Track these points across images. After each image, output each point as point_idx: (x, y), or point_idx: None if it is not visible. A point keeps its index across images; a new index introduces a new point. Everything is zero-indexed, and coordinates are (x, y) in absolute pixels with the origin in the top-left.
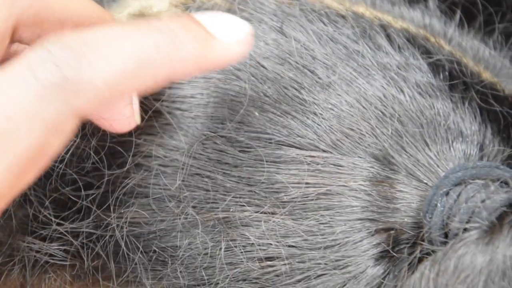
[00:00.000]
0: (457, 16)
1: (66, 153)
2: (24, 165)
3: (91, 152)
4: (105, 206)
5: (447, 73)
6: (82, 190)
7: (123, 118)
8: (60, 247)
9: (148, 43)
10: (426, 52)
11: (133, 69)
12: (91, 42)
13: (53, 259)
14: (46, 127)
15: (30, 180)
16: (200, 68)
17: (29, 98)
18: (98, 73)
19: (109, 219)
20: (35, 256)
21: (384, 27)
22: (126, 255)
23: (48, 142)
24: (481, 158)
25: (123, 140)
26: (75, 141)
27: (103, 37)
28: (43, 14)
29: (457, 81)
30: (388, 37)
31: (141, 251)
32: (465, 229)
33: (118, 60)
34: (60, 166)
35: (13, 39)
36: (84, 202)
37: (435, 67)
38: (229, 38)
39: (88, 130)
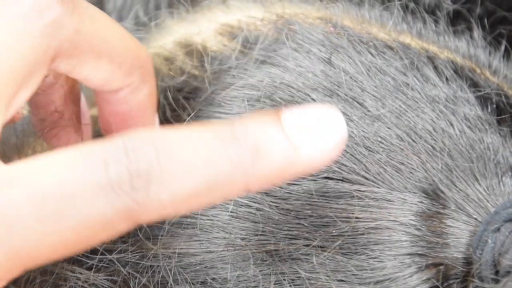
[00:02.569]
0: (503, 47)
1: None
2: (64, 248)
3: None
4: (149, 235)
5: (494, 106)
6: None
7: None
8: (108, 277)
9: (225, 156)
10: (473, 84)
11: (202, 190)
12: (167, 152)
13: None
14: (98, 223)
15: (62, 257)
16: (276, 183)
17: (93, 188)
18: (165, 191)
19: (155, 248)
20: (82, 286)
21: (431, 59)
22: (172, 286)
23: (95, 235)
24: None
25: None
26: None
27: (180, 146)
28: (82, 48)
29: (506, 115)
30: (436, 69)
31: (188, 283)
32: None
33: (190, 179)
34: None
35: (49, 70)
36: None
37: (483, 100)
38: (316, 150)
39: None
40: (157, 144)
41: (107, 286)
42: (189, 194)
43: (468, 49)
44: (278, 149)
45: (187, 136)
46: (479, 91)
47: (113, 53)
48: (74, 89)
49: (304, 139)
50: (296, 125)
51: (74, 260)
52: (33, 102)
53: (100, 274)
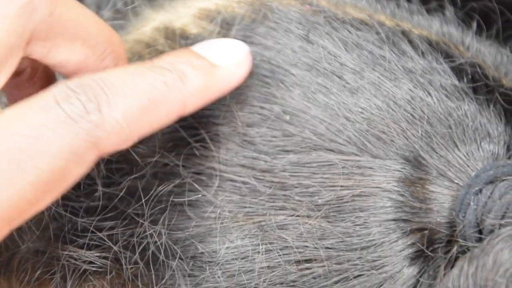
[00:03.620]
0: (475, 24)
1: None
2: (43, 187)
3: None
4: (139, 212)
5: (470, 76)
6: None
7: None
8: (100, 254)
9: (159, 80)
10: (448, 56)
11: (147, 105)
12: (108, 82)
13: (93, 267)
14: (68, 152)
15: (47, 202)
16: (210, 97)
17: (54, 124)
18: (117, 108)
19: (143, 224)
20: (75, 264)
21: (406, 34)
22: (163, 262)
23: (68, 168)
24: (508, 158)
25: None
26: None
27: (118, 78)
28: (56, 30)
29: (481, 83)
30: (411, 42)
31: (179, 257)
32: (501, 225)
33: (133, 97)
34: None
35: (25, 53)
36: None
37: (458, 71)
38: (230, 63)
39: None
40: (98, 76)
41: (99, 263)
42: (138, 110)
43: (441, 27)
44: (200, 69)
45: (122, 70)
46: (454, 61)
47: (87, 36)
48: (50, 82)
49: (219, 56)
50: (208, 49)
51: (66, 239)
52: (11, 96)
53: (91, 252)
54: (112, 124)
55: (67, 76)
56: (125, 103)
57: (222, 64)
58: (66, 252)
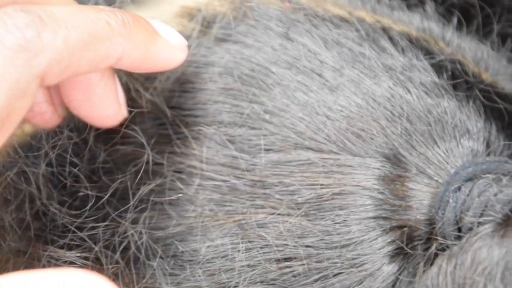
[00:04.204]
0: (455, 19)
1: (80, 160)
2: None
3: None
4: (120, 212)
5: (450, 73)
6: (88, 200)
7: (109, 114)
8: (80, 254)
9: (101, 19)
10: (428, 53)
11: (88, 38)
12: (49, 11)
13: (74, 267)
14: (9, 88)
15: None
16: (146, 60)
17: None
18: (57, 36)
19: (124, 223)
20: (55, 264)
21: (386, 30)
22: (144, 261)
23: (12, 104)
24: (488, 155)
25: (136, 149)
26: (88, 149)
27: (60, 9)
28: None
29: (460, 80)
30: (391, 39)
31: (160, 256)
32: (479, 223)
33: (75, 28)
34: (73, 171)
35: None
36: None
37: (438, 68)
38: (172, 41)
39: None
40: (39, 5)
41: (80, 264)
42: (79, 41)
43: (421, 22)
44: (146, 28)
45: (66, 4)
46: (434, 58)
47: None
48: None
49: (163, 31)
50: (155, 22)
51: (47, 240)
52: None
53: (72, 252)
54: (53, 52)
55: None
56: (66, 32)
57: (166, 38)
58: (47, 253)
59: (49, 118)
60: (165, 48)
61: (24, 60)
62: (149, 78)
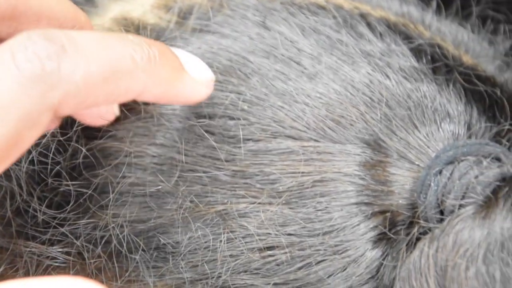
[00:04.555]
0: (434, 2)
1: (62, 157)
2: None
3: (84, 152)
4: (101, 206)
5: (429, 57)
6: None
7: (102, 114)
8: (62, 249)
9: (127, 53)
10: (406, 38)
11: (109, 73)
12: (73, 40)
13: (56, 262)
14: (21, 117)
15: (0, 170)
16: (168, 95)
17: (7, 86)
18: (77, 69)
19: (105, 217)
20: (37, 259)
21: (364, 16)
22: (126, 254)
23: (22, 133)
24: (469, 137)
25: (115, 142)
26: (68, 144)
27: (85, 38)
28: (21, 8)
29: (440, 63)
30: (369, 25)
31: (142, 249)
32: (461, 205)
33: (97, 61)
34: (55, 168)
35: None
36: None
37: (417, 52)
38: (197, 77)
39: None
40: (63, 32)
41: (62, 259)
42: (98, 77)
43: (400, 7)
44: (172, 63)
45: (92, 33)
46: (412, 43)
47: (52, 14)
48: None
49: (189, 66)
50: (184, 55)
51: (28, 236)
52: None
53: (54, 247)
54: (70, 87)
55: None
56: (87, 66)
57: (191, 74)
58: (28, 249)
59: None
60: (189, 85)
61: (39, 91)
62: None
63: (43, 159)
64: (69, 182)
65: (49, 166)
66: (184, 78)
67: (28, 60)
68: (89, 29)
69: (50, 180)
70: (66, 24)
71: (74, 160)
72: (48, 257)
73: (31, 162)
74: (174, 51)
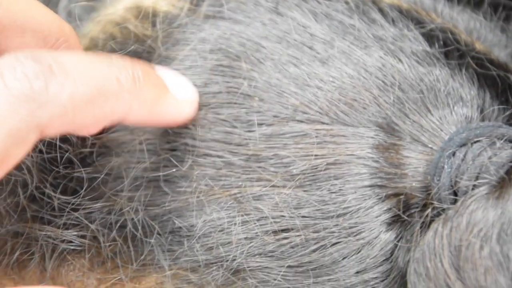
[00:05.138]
0: None
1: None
2: None
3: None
4: (116, 190)
5: (441, 42)
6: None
7: None
8: (77, 233)
9: (112, 75)
10: (418, 23)
11: (95, 95)
12: (60, 61)
13: (71, 245)
14: (9, 134)
15: None
16: (152, 116)
17: None
18: (64, 90)
19: (120, 201)
20: (53, 243)
21: (375, 2)
22: (142, 238)
23: (9, 150)
24: (482, 121)
25: (127, 133)
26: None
27: (72, 60)
28: (5, 21)
29: (452, 47)
30: (381, 11)
31: (157, 233)
32: (474, 186)
33: (83, 82)
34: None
35: None
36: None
37: (429, 37)
38: (181, 97)
39: None
40: (50, 54)
41: (77, 242)
42: (85, 97)
43: None
44: (156, 84)
45: (78, 55)
46: (424, 28)
47: (37, 27)
48: None
49: (173, 86)
50: (167, 74)
51: (44, 220)
52: None
53: (69, 231)
54: (57, 106)
55: None
56: (74, 87)
57: (175, 94)
58: (43, 232)
59: None
60: (173, 104)
61: (27, 109)
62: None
63: (61, 144)
64: (83, 169)
65: (58, 154)
66: (168, 98)
67: (16, 80)
68: (74, 40)
69: (61, 168)
70: (51, 36)
71: (89, 148)
72: (63, 241)
73: (41, 151)
74: (158, 71)
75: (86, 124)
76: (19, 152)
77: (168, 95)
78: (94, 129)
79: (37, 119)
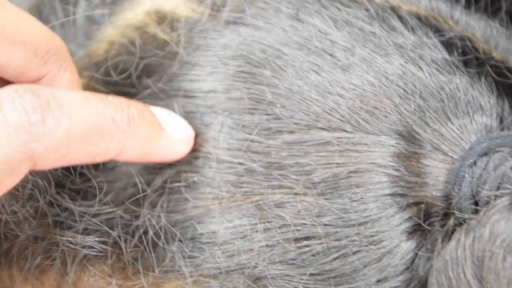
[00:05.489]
0: None
1: None
2: None
3: None
4: (138, 198)
5: (460, 50)
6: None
7: None
8: (99, 239)
9: (108, 113)
10: (437, 31)
11: (90, 131)
12: (58, 97)
13: (92, 251)
14: (3, 162)
15: None
16: (146, 154)
17: None
18: (60, 125)
19: (143, 210)
20: (74, 249)
21: (395, 10)
22: (163, 244)
23: (1, 178)
24: (501, 130)
25: None
26: None
27: (69, 96)
28: None
29: (471, 56)
30: (400, 18)
31: (178, 239)
32: (496, 196)
33: (79, 119)
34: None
35: None
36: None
37: (448, 45)
38: (176, 136)
39: None
40: (49, 89)
41: (99, 248)
42: (80, 134)
43: (429, 2)
44: (151, 123)
45: (75, 92)
46: (443, 36)
47: (26, 39)
48: None
49: (168, 125)
50: (162, 113)
51: (64, 225)
52: None
53: (90, 237)
54: (52, 140)
55: (10, 79)
56: (70, 123)
57: (170, 133)
58: (65, 238)
59: None
60: (167, 143)
61: (22, 140)
62: (152, 66)
63: None
64: (104, 175)
65: None
66: (162, 136)
67: (15, 112)
68: (65, 53)
69: (77, 178)
70: (41, 49)
71: None
72: (84, 246)
73: None
74: (153, 110)
75: (80, 159)
76: (10, 181)
77: (162, 134)
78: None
79: (31, 151)
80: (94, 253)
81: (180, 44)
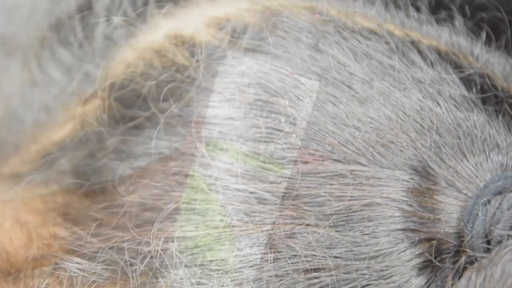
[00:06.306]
0: (484, 34)
1: None
2: None
3: None
4: (146, 222)
5: (479, 87)
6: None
7: None
8: (106, 267)
9: None
10: (457, 67)
11: None
12: None
13: (100, 278)
14: None
15: None
16: None
17: None
18: None
19: (150, 236)
20: (82, 275)
21: (415, 44)
22: (171, 270)
23: None
24: None
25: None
26: None
27: None
28: None
29: (490, 94)
30: (420, 53)
31: (186, 265)
32: (509, 236)
33: None
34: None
35: None
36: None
37: (467, 82)
38: None
39: None
40: None
41: (106, 275)
42: None
43: (450, 37)
44: None
45: None
46: (463, 72)
47: None
48: None
49: None
50: None
51: (70, 251)
52: None
53: (98, 264)
54: None
55: None
56: None
57: None
58: (72, 264)
59: None
60: None
61: None
62: (169, 90)
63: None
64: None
65: None
66: None
67: None
68: None
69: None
70: None
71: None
72: (93, 273)
73: None
74: None
75: None
76: None
77: None
78: None
79: None
80: (102, 280)
81: (199, 70)
